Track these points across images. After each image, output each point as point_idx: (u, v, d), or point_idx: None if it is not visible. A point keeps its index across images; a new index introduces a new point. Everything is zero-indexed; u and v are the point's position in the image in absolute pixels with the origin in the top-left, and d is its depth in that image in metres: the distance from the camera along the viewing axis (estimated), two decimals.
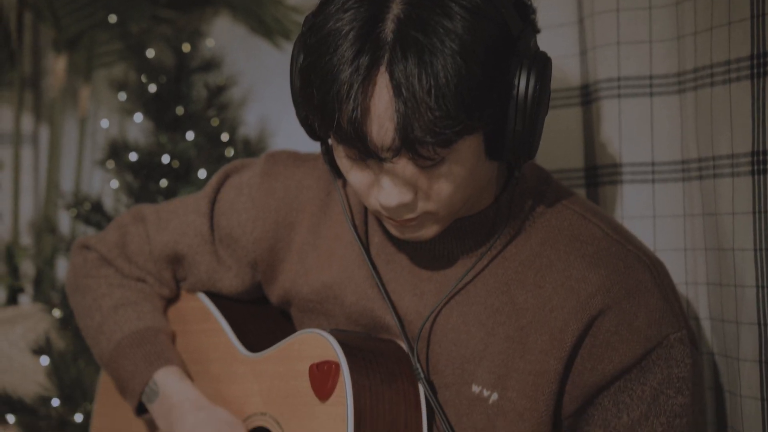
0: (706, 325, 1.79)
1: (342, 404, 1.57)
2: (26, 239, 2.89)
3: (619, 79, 1.84)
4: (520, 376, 1.58)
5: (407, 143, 1.44)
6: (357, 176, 1.53)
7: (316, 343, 1.63)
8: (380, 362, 1.62)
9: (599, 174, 1.91)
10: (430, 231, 1.58)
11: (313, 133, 1.60)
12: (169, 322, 1.90)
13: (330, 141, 1.58)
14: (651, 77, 1.83)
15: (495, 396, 1.59)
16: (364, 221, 1.72)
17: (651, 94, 1.83)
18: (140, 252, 1.88)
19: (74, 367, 2.48)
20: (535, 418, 1.58)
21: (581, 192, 1.94)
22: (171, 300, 1.92)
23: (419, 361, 1.63)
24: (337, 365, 1.59)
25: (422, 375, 1.61)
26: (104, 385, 1.98)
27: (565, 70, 1.94)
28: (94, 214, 2.51)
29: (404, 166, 1.48)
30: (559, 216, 1.64)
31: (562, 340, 1.57)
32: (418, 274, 1.67)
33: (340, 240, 1.73)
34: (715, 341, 1.77)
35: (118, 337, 1.83)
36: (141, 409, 1.84)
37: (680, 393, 1.58)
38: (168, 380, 1.78)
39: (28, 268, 2.87)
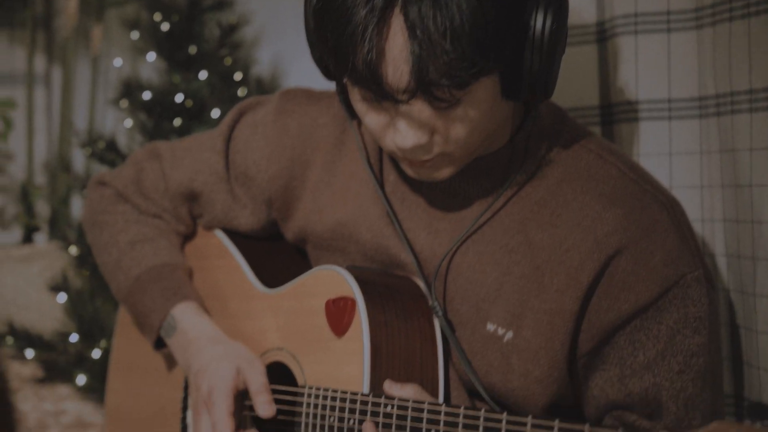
0: (721, 261, 1.80)
1: (358, 339, 1.59)
2: (40, 179, 2.92)
3: (636, 15, 1.83)
4: (536, 315, 1.59)
5: (422, 85, 1.43)
6: (372, 118, 1.54)
7: (332, 280, 1.65)
8: (396, 299, 1.63)
9: (615, 112, 1.91)
10: (445, 172, 1.58)
11: (328, 73, 1.60)
12: (186, 259, 1.91)
13: (345, 82, 1.58)
14: (668, 13, 1.82)
15: (510, 334, 1.61)
16: (379, 159, 1.73)
17: (668, 30, 1.82)
18: (156, 189, 1.90)
19: (91, 304, 2.51)
20: (550, 356, 1.59)
21: (597, 130, 1.94)
22: (188, 236, 1.94)
23: (435, 299, 1.64)
24: (354, 301, 1.60)
25: (440, 311, 1.62)
26: (123, 320, 2.01)
27: (581, 6, 1.93)
28: (108, 152, 2.52)
29: (420, 108, 1.48)
30: (575, 155, 1.64)
31: (578, 279, 1.58)
32: (432, 212, 1.68)
33: (354, 177, 1.74)
34: (731, 278, 1.78)
35: (136, 272, 1.85)
36: (159, 344, 1.86)
37: (697, 332, 1.59)
38: (185, 315, 1.80)
39: (42, 208, 2.90)
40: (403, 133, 1.51)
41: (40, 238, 2.89)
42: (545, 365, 1.59)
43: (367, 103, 1.52)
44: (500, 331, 1.61)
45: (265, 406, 1.67)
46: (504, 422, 1.36)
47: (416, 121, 1.50)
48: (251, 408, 1.71)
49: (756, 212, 1.67)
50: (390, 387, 1.53)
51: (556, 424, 1.31)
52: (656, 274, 1.56)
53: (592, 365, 1.61)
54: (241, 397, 1.72)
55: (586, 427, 1.29)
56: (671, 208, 1.61)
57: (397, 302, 1.63)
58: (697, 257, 1.60)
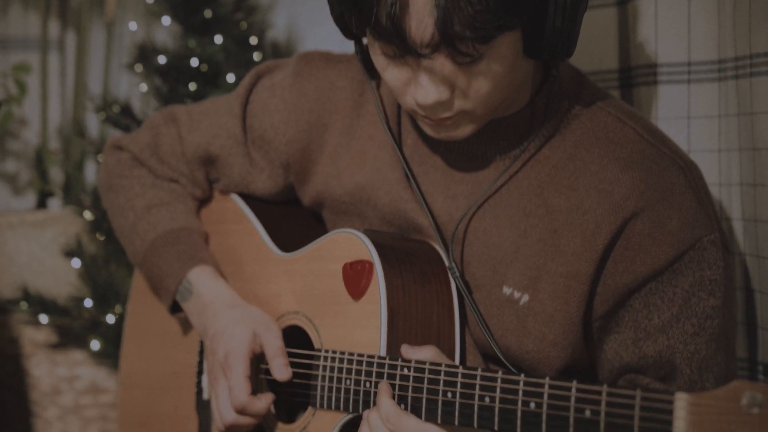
0: (738, 225, 1.80)
1: (375, 303, 1.60)
2: (54, 144, 2.92)
3: None
4: (552, 279, 1.60)
5: (446, 39, 1.43)
6: (393, 74, 1.54)
7: (349, 243, 1.65)
8: (413, 262, 1.64)
9: (634, 75, 1.90)
10: (465, 130, 1.58)
11: (347, 32, 1.59)
12: (202, 223, 1.92)
13: (366, 39, 1.57)
14: None
15: (526, 298, 1.61)
16: (398, 122, 1.73)
17: None
18: (172, 153, 1.90)
19: (105, 270, 2.52)
20: (565, 319, 1.60)
21: (616, 93, 1.94)
22: (204, 201, 1.95)
23: (452, 260, 1.64)
24: (371, 264, 1.61)
25: (457, 272, 1.63)
26: (138, 285, 2.02)
27: None
28: (123, 117, 2.52)
29: (442, 62, 1.48)
30: (594, 118, 1.64)
31: (594, 242, 1.58)
32: (451, 175, 1.68)
33: (373, 141, 1.74)
34: (747, 241, 1.78)
35: (152, 236, 1.85)
36: (175, 308, 1.87)
37: (712, 295, 1.59)
38: (201, 279, 1.81)
39: (56, 173, 2.91)
40: (424, 89, 1.51)
41: (54, 203, 2.90)
42: (560, 328, 1.60)
43: (388, 59, 1.52)
44: (516, 295, 1.62)
45: (281, 370, 1.68)
46: (521, 384, 1.37)
47: (438, 76, 1.50)
48: (267, 372, 1.73)
49: None
50: (407, 350, 1.54)
51: (574, 385, 1.32)
52: (673, 237, 1.57)
53: (607, 328, 1.62)
54: (258, 361, 1.74)
55: (604, 388, 1.30)
56: (689, 171, 1.61)
57: (414, 266, 1.63)
58: (713, 220, 1.60)
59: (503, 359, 1.60)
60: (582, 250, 1.59)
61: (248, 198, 1.90)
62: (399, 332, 1.59)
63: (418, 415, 1.50)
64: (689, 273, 1.58)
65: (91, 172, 2.83)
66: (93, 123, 2.83)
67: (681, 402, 1.22)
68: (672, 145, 1.65)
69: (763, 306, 1.75)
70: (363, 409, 1.57)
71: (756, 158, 1.71)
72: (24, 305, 2.57)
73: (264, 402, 1.69)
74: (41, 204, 2.89)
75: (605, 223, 1.58)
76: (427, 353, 1.51)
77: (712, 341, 1.60)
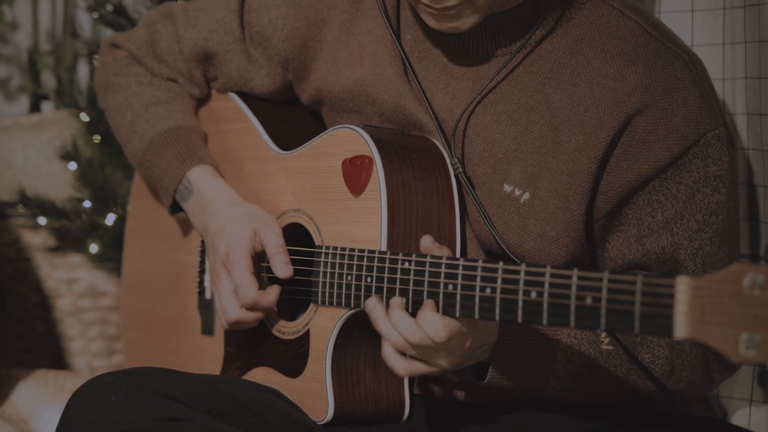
0: (741, 120, 1.82)
1: (375, 198, 1.62)
2: (46, 47, 2.92)
3: None
4: (553, 176, 1.62)
5: None
6: None
7: (348, 139, 1.67)
8: (414, 158, 1.66)
9: None
10: (468, 21, 1.59)
11: None
12: (200, 123, 1.93)
13: None
14: None
15: (527, 195, 1.63)
16: (397, 17, 1.73)
17: None
18: (170, 51, 1.91)
19: (102, 173, 2.54)
20: (566, 217, 1.62)
21: None
22: (202, 100, 1.96)
23: (454, 155, 1.66)
24: (371, 159, 1.63)
25: (460, 168, 1.65)
26: (137, 187, 2.04)
27: None
28: (116, 16, 2.52)
29: None
30: (596, 12, 1.65)
31: (597, 139, 1.60)
32: (451, 71, 1.69)
33: (371, 36, 1.75)
34: (751, 136, 1.80)
35: (150, 135, 1.87)
36: (175, 208, 1.89)
37: (717, 191, 1.61)
38: (201, 178, 1.83)
39: (48, 78, 2.91)
40: None
41: (48, 107, 2.90)
42: (561, 226, 1.62)
43: None
44: (517, 192, 1.64)
45: (282, 267, 1.71)
46: (522, 273, 1.39)
47: None
48: (268, 270, 1.76)
49: None
50: (428, 244, 1.52)
51: (575, 273, 1.34)
52: (677, 133, 1.59)
53: (610, 227, 1.64)
54: (258, 260, 1.76)
55: (605, 275, 1.32)
56: (693, 65, 1.62)
57: (414, 162, 1.65)
58: (718, 115, 1.62)
59: (506, 249, 1.63)
60: (584, 147, 1.60)
61: (247, 97, 1.91)
62: (399, 227, 1.62)
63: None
64: (694, 169, 1.60)
65: (84, 74, 2.83)
66: (85, 23, 2.82)
67: (682, 286, 1.24)
68: (676, 39, 1.65)
69: (766, 200, 1.77)
70: (364, 304, 1.60)
71: (762, 50, 1.72)
72: (21, 208, 2.59)
73: (272, 295, 1.72)
74: (35, 108, 2.90)
75: (608, 120, 1.59)
76: (446, 251, 1.52)
77: (716, 237, 1.63)
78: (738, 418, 1.83)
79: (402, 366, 1.52)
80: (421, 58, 1.72)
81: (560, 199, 1.62)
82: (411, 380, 1.71)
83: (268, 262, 1.75)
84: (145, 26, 1.94)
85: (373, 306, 1.54)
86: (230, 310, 1.73)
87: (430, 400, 1.73)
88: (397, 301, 1.52)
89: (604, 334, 1.60)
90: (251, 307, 1.71)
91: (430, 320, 1.47)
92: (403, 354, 1.52)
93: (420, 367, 1.52)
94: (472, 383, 1.67)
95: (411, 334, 1.48)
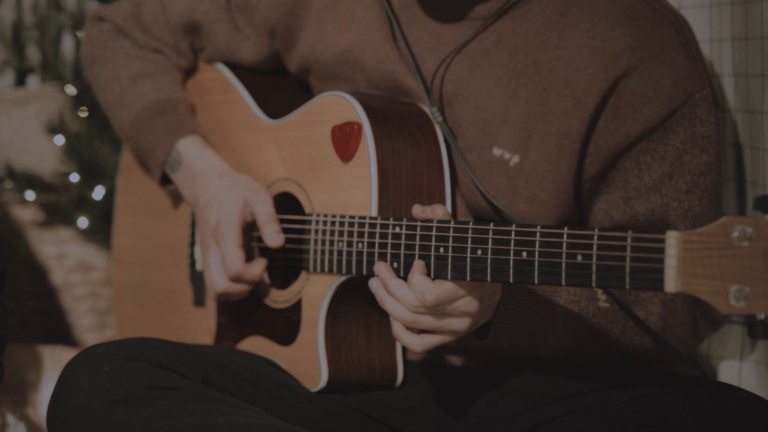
0: (728, 82, 1.83)
1: (365, 165, 1.64)
2: (30, 19, 2.91)
3: None
4: (542, 138, 1.64)
5: None
6: None
7: (337, 106, 1.69)
8: (403, 124, 1.68)
9: None
10: None
11: None
12: (188, 95, 1.94)
13: None
14: None
15: (516, 158, 1.65)
16: None
17: None
18: (155, 22, 1.91)
19: (89, 146, 2.54)
20: (556, 179, 1.64)
21: None
22: (189, 72, 1.97)
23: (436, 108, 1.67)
24: (360, 126, 1.64)
25: (449, 132, 1.66)
26: (127, 160, 2.05)
27: None
28: None
29: None
30: None
31: (585, 101, 1.62)
32: (439, 36, 1.70)
33: (359, 2, 1.76)
34: (738, 97, 1.81)
35: (138, 108, 1.88)
36: (165, 181, 1.91)
37: (704, 151, 1.63)
38: (191, 149, 1.85)
39: (32, 52, 2.90)
40: None
41: (33, 81, 2.90)
42: (551, 188, 1.64)
43: None
44: (507, 156, 1.65)
45: (273, 236, 1.73)
46: (513, 234, 1.41)
47: None
48: (259, 239, 1.77)
49: (766, 28, 1.69)
50: (418, 210, 1.53)
51: (565, 231, 1.36)
52: (664, 94, 1.60)
53: (598, 189, 1.66)
54: (249, 229, 1.78)
55: (595, 232, 1.33)
56: (680, 27, 1.64)
57: (403, 128, 1.67)
58: (704, 76, 1.64)
59: (500, 207, 1.64)
60: (573, 109, 1.62)
61: (235, 67, 1.92)
62: (390, 193, 1.63)
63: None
64: (681, 130, 1.62)
65: (69, 47, 2.83)
66: None
67: (672, 240, 1.26)
68: (663, 1, 1.67)
69: (753, 161, 1.79)
70: (356, 270, 1.62)
71: (748, 11, 1.73)
72: (9, 183, 2.60)
73: (258, 268, 1.74)
74: (20, 82, 2.90)
75: (596, 81, 1.61)
76: (438, 211, 1.53)
77: (705, 198, 1.65)
78: (728, 377, 1.86)
79: (416, 343, 1.53)
80: (409, 22, 1.73)
81: (550, 161, 1.64)
82: (404, 346, 1.74)
83: (259, 232, 1.76)
84: None
85: (380, 270, 1.55)
86: (218, 281, 1.75)
87: (424, 366, 1.75)
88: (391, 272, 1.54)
89: (600, 291, 1.62)
90: (236, 279, 1.73)
91: (416, 283, 1.49)
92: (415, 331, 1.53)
93: (434, 340, 1.52)
94: (467, 347, 1.69)
95: (409, 301, 1.49)
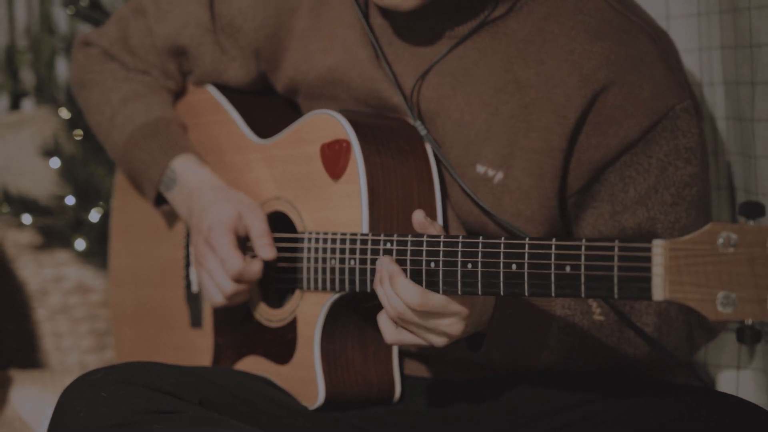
0: (719, 90, 1.84)
1: (355, 182, 1.65)
2: (23, 43, 2.93)
3: None
4: (525, 155, 1.65)
5: None
6: None
7: (325, 124, 1.70)
8: (391, 140, 1.69)
9: None
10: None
11: None
12: (179, 116, 1.95)
13: None
14: None
15: (500, 175, 1.66)
16: (366, 2, 1.75)
17: None
18: (142, 45, 1.93)
19: (84, 169, 2.56)
20: (540, 195, 1.65)
21: None
22: (179, 94, 1.98)
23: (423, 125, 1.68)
24: (348, 143, 1.66)
25: (425, 131, 1.67)
26: (121, 182, 2.06)
27: None
28: (92, 11, 2.53)
29: None
30: None
31: (566, 116, 1.63)
32: (419, 54, 1.72)
33: (341, 22, 1.77)
34: (729, 105, 1.82)
35: (130, 129, 1.89)
36: (159, 201, 1.91)
37: (689, 163, 1.64)
38: (186, 166, 1.86)
39: (26, 75, 2.92)
40: None
41: (27, 104, 2.92)
42: (536, 205, 1.65)
43: None
44: (490, 173, 1.66)
45: (266, 249, 1.74)
46: (502, 246, 1.42)
47: None
48: (253, 256, 1.78)
49: (755, 36, 1.70)
50: (420, 223, 1.53)
51: (553, 242, 1.38)
52: (645, 107, 1.61)
53: (583, 204, 1.67)
54: (242, 244, 1.78)
55: (583, 242, 1.35)
56: (659, 39, 1.65)
57: (392, 144, 1.68)
58: (685, 87, 1.65)
59: (498, 219, 1.64)
60: (554, 125, 1.63)
61: (224, 88, 1.93)
62: (380, 209, 1.65)
63: None
64: (663, 142, 1.63)
65: (62, 70, 2.85)
66: (62, 19, 2.84)
67: (658, 248, 1.27)
68: (641, 13, 1.68)
69: (745, 169, 1.80)
70: (349, 287, 1.63)
71: (736, 20, 1.74)
72: (5, 207, 2.61)
73: (257, 265, 1.74)
74: (14, 106, 2.91)
75: (576, 96, 1.62)
76: (438, 227, 1.54)
77: (692, 209, 1.65)
78: (726, 385, 1.86)
79: (390, 333, 1.54)
80: (390, 42, 1.74)
81: (533, 177, 1.65)
82: (400, 361, 1.74)
83: (252, 247, 1.77)
84: (116, 22, 1.96)
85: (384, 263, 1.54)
86: (224, 284, 1.74)
87: (421, 381, 1.76)
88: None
89: (596, 304, 1.63)
90: (237, 279, 1.73)
91: (402, 285, 1.49)
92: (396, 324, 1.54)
93: (407, 339, 1.54)
94: (462, 362, 1.70)
95: (397, 302, 1.50)
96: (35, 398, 2.25)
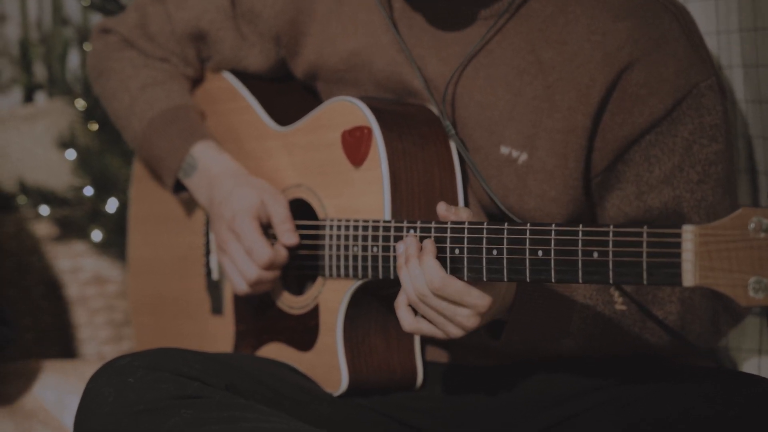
0: (738, 73, 1.84)
1: (376, 168, 1.65)
2: (36, 35, 2.93)
3: None
4: (549, 135, 1.65)
5: None
6: None
7: (346, 110, 1.70)
8: (412, 126, 1.69)
9: None
10: None
11: None
12: (197, 103, 1.95)
13: None
14: None
15: (524, 156, 1.66)
16: None
17: None
18: (162, 32, 1.93)
19: (100, 160, 2.56)
20: (565, 176, 1.65)
21: None
22: (197, 81, 1.98)
23: (445, 118, 1.69)
24: (369, 130, 1.66)
25: (452, 130, 1.67)
26: (139, 171, 2.07)
27: None
28: (106, 2, 2.53)
29: None
30: None
31: (589, 95, 1.63)
32: (441, 38, 1.72)
33: (362, 6, 1.77)
34: (749, 88, 1.82)
35: (150, 115, 1.89)
36: (178, 188, 1.92)
37: (714, 140, 1.64)
38: (206, 153, 1.86)
39: (38, 68, 2.93)
40: None
41: (41, 97, 2.93)
42: (560, 185, 1.65)
43: None
44: (514, 154, 1.66)
45: (288, 235, 1.74)
46: (528, 233, 1.42)
47: None
48: (273, 243, 1.78)
49: None
50: (444, 211, 1.53)
51: (580, 228, 1.37)
52: (669, 85, 1.61)
53: (608, 184, 1.67)
54: (264, 231, 1.78)
55: (611, 228, 1.34)
56: (681, 16, 1.65)
57: (412, 129, 1.68)
58: (709, 65, 1.64)
59: (508, 214, 1.65)
60: (578, 104, 1.63)
61: (242, 75, 1.93)
62: (402, 196, 1.65)
63: None
64: (688, 120, 1.63)
65: (75, 61, 2.85)
66: (75, 10, 2.84)
67: (688, 234, 1.26)
68: None
69: (765, 152, 1.80)
70: (372, 274, 1.63)
71: (756, 1, 1.74)
72: (23, 199, 2.62)
73: (284, 251, 1.75)
74: (28, 99, 2.92)
75: (600, 75, 1.62)
76: (463, 214, 1.53)
77: (718, 187, 1.65)
78: (748, 369, 1.86)
79: (409, 321, 1.54)
80: (410, 25, 1.74)
81: (558, 158, 1.65)
82: (422, 347, 1.75)
83: (273, 234, 1.77)
84: (135, 9, 1.96)
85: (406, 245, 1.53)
86: (249, 270, 1.74)
87: (442, 366, 1.76)
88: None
89: (617, 294, 1.63)
90: (269, 267, 1.74)
91: (428, 265, 1.49)
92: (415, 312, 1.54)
93: (424, 327, 1.54)
94: (483, 348, 1.70)
95: (420, 282, 1.50)
96: (57, 388, 2.26)
